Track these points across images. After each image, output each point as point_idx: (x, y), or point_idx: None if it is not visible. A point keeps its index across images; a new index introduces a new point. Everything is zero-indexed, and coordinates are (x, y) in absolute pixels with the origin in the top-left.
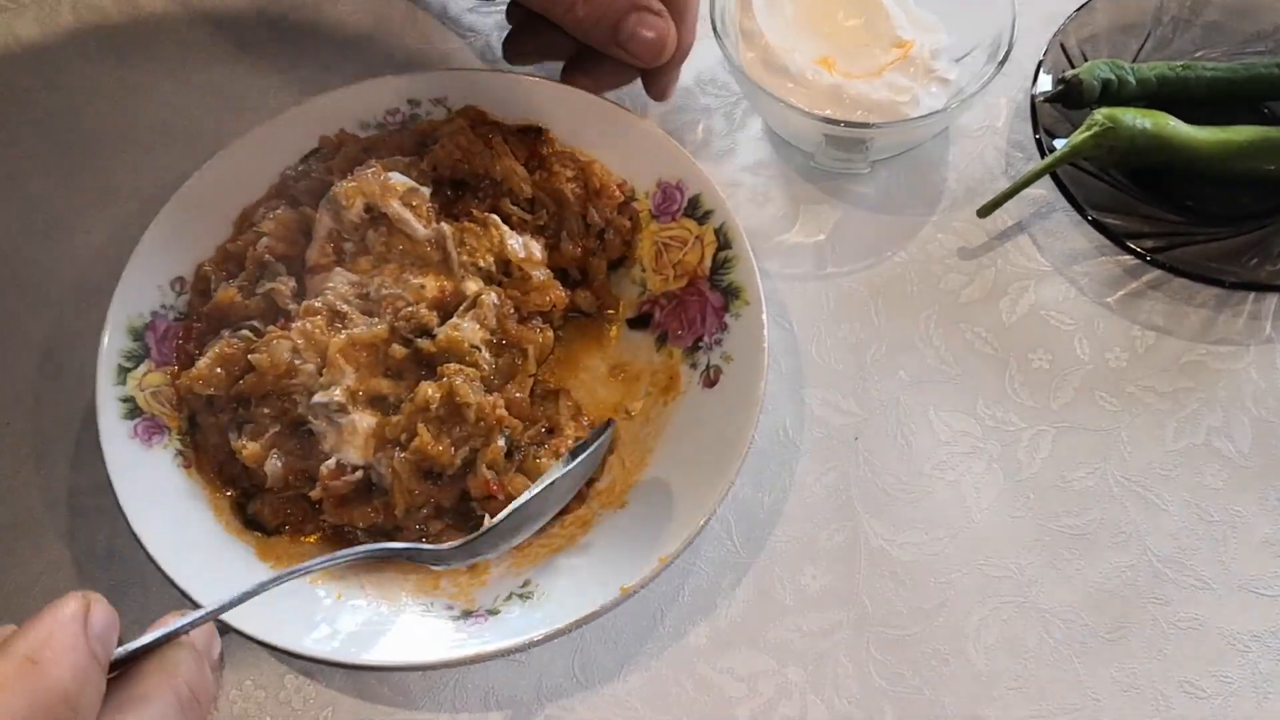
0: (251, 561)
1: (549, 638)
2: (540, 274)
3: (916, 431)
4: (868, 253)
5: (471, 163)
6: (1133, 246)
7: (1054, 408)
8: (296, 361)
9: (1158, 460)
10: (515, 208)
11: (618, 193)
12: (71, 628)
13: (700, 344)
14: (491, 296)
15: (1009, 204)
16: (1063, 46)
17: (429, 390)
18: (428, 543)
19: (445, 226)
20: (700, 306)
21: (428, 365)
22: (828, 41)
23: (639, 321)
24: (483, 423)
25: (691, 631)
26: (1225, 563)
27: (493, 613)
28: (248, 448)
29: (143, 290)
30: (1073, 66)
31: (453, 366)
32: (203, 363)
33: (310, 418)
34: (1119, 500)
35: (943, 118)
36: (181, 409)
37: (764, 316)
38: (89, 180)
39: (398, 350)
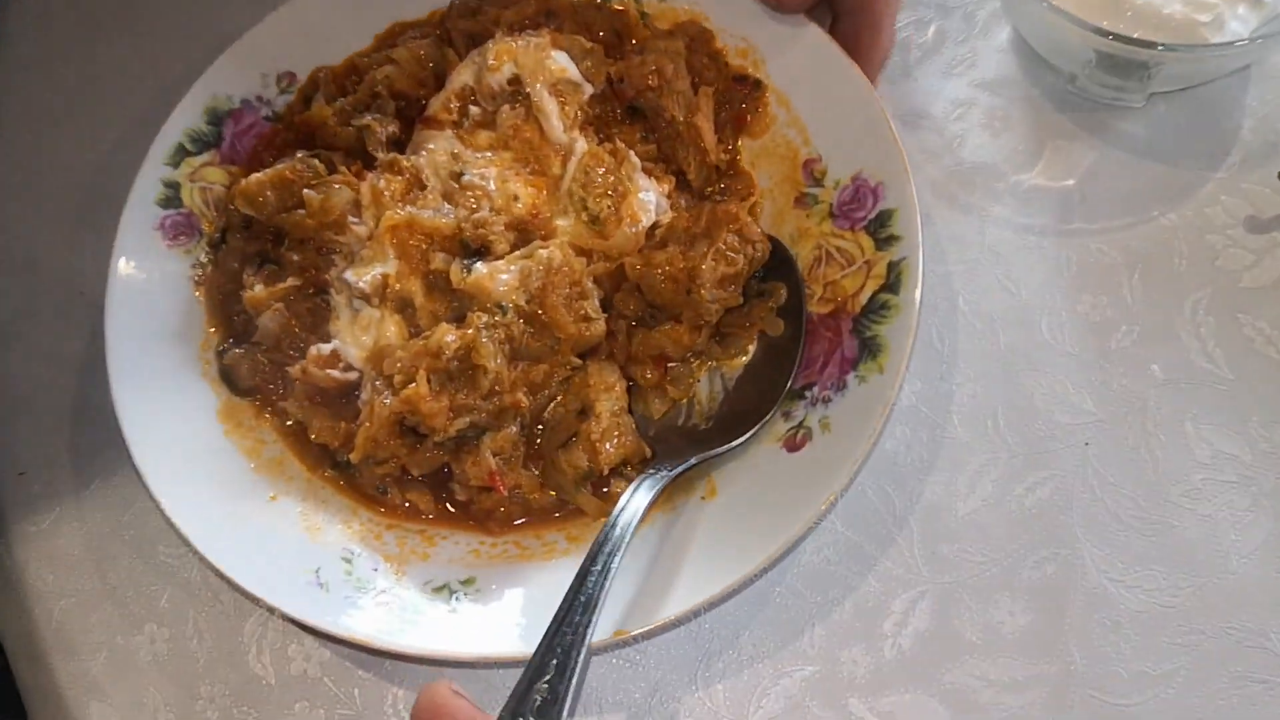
0: (207, 416)
1: (427, 661)
2: (634, 229)
3: (1166, 445)
4: (1127, 209)
5: (661, 99)
6: None
7: None
8: (350, 219)
9: None
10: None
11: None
12: None
13: (807, 393)
14: (556, 254)
15: None
16: None
17: (446, 336)
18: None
19: (583, 144)
20: (830, 348)
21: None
22: None
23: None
24: (495, 399)
25: (846, 658)
26: None
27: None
28: (255, 289)
29: (243, 71)
30: None
31: (482, 317)
32: (257, 177)
33: (333, 290)
34: None
35: (1250, 50)
36: (220, 218)
37: (895, 391)
38: None
39: (441, 261)
